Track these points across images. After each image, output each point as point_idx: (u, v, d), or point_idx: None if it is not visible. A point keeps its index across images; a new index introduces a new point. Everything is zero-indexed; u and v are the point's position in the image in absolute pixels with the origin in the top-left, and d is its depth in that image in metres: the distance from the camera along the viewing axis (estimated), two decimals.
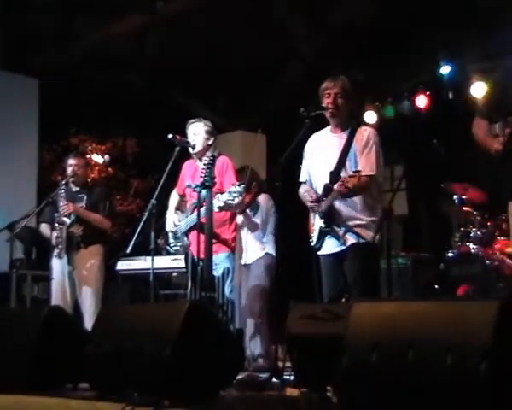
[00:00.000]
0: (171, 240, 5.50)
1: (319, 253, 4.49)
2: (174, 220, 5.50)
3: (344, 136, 4.48)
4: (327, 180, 4.41)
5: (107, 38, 8.05)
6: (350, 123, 4.53)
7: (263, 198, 6.02)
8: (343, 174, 4.31)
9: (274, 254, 5.90)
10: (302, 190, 4.63)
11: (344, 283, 4.35)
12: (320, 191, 4.49)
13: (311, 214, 4.57)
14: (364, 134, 4.44)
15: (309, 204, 4.50)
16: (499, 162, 3.40)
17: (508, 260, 6.26)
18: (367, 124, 4.82)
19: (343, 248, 4.37)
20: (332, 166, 4.41)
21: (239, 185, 4.93)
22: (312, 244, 4.51)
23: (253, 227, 5.96)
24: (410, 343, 2.38)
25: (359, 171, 4.14)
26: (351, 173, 4.18)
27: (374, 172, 4.34)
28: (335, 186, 4.26)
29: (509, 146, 3.26)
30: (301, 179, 4.68)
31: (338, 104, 4.44)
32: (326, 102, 4.45)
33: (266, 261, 5.91)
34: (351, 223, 4.36)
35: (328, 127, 4.60)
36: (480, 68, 7.34)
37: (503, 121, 3.32)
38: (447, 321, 2.36)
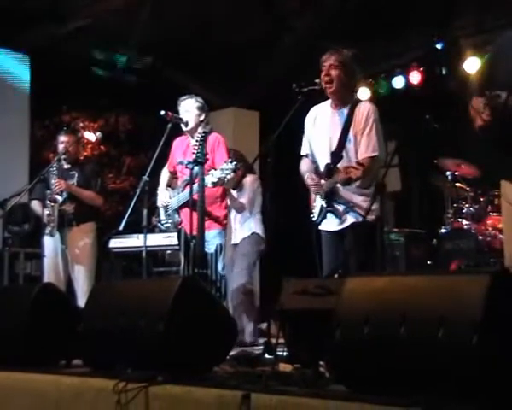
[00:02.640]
0: (162, 217, 5.51)
1: (320, 228, 4.48)
2: (165, 197, 5.49)
3: (344, 113, 4.42)
4: (328, 159, 4.39)
5: (100, 14, 7.97)
6: (349, 98, 4.46)
7: (249, 179, 6.07)
8: (344, 154, 4.32)
9: (261, 233, 6.01)
10: (303, 166, 4.58)
11: (343, 259, 4.36)
12: (321, 167, 4.47)
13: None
14: (364, 112, 4.36)
15: (312, 188, 4.47)
16: (482, 139, 3.38)
17: (500, 236, 6.28)
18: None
19: (343, 227, 4.37)
20: (333, 145, 4.38)
21: (231, 162, 4.94)
22: (314, 219, 4.49)
23: (238, 208, 6.00)
24: (402, 317, 2.38)
25: (363, 164, 4.14)
26: (354, 165, 4.17)
27: (376, 153, 4.33)
28: (337, 176, 4.24)
29: (491, 122, 3.20)
30: (302, 153, 4.64)
31: (332, 76, 4.36)
32: (321, 75, 4.40)
33: (252, 240, 5.98)
34: (352, 201, 4.35)
35: (329, 101, 4.54)
36: (473, 43, 7.31)
37: (485, 97, 3.25)
38: (439, 295, 2.37)
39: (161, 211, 5.52)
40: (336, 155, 4.34)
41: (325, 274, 4.39)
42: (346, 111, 4.43)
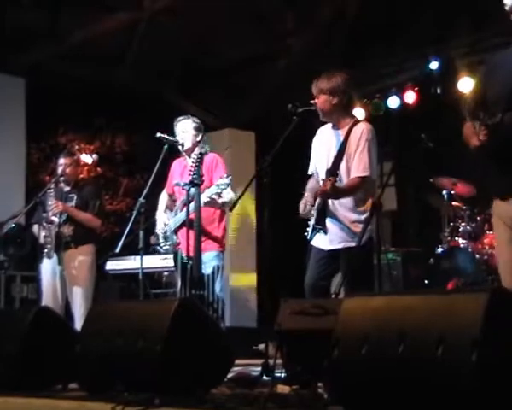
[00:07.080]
0: (160, 240, 5.49)
1: (311, 243, 4.49)
2: (164, 220, 5.49)
3: (340, 134, 4.46)
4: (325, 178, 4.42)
5: (95, 35, 8.00)
6: (345, 120, 4.48)
7: None
8: (338, 173, 4.33)
9: None
10: (308, 185, 4.60)
11: (327, 276, 4.36)
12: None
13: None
14: (357, 133, 4.38)
15: (302, 208, 4.50)
16: (478, 160, 3.41)
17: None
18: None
19: (334, 248, 4.37)
20: (329, 165, 4.41)
21: (226, 177, 4.97)
22: (307, 236, 4.50)
23: None
24: (401, 336, 2.37)
25: (335, 176, 4.21)
26: (329, 178, 4.23)
27: (367, 173, 4.33)
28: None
29: (486, 143, 3.24)
30: (309, 172, 4.68)
31: (320, 102, 4.40)
32: (314, 100, 4.44)
33: None
34: (344, 221, 4.36)
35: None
36: (468, 63, 7.35)
37: (481, 121, 3.31)
38: (437, 313, 2.36)
39: (160, 234, 5.51)
40: (330, 173, 4.36)
41: (306, 283, 4.39)
42: (342, 132, 4.46)
